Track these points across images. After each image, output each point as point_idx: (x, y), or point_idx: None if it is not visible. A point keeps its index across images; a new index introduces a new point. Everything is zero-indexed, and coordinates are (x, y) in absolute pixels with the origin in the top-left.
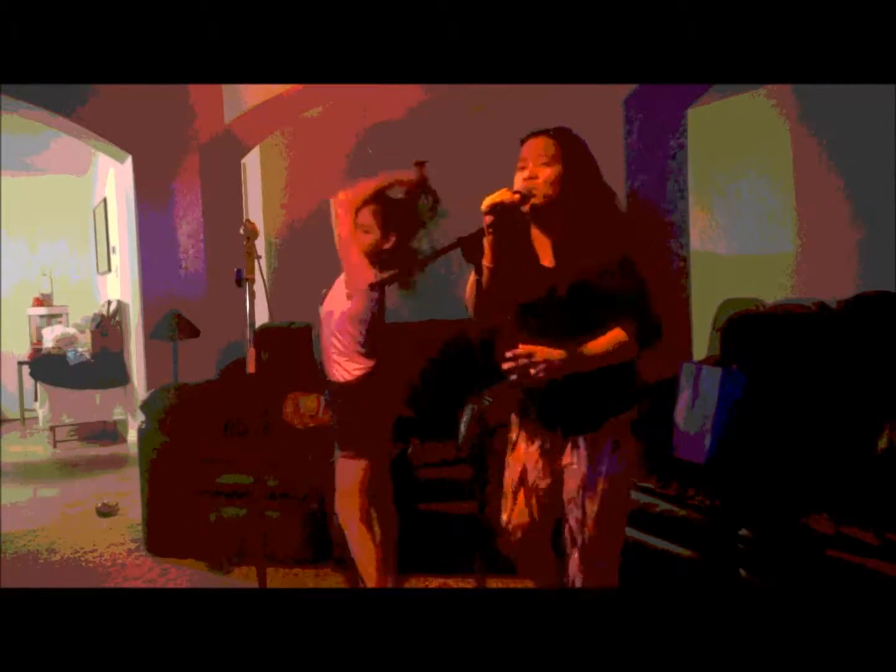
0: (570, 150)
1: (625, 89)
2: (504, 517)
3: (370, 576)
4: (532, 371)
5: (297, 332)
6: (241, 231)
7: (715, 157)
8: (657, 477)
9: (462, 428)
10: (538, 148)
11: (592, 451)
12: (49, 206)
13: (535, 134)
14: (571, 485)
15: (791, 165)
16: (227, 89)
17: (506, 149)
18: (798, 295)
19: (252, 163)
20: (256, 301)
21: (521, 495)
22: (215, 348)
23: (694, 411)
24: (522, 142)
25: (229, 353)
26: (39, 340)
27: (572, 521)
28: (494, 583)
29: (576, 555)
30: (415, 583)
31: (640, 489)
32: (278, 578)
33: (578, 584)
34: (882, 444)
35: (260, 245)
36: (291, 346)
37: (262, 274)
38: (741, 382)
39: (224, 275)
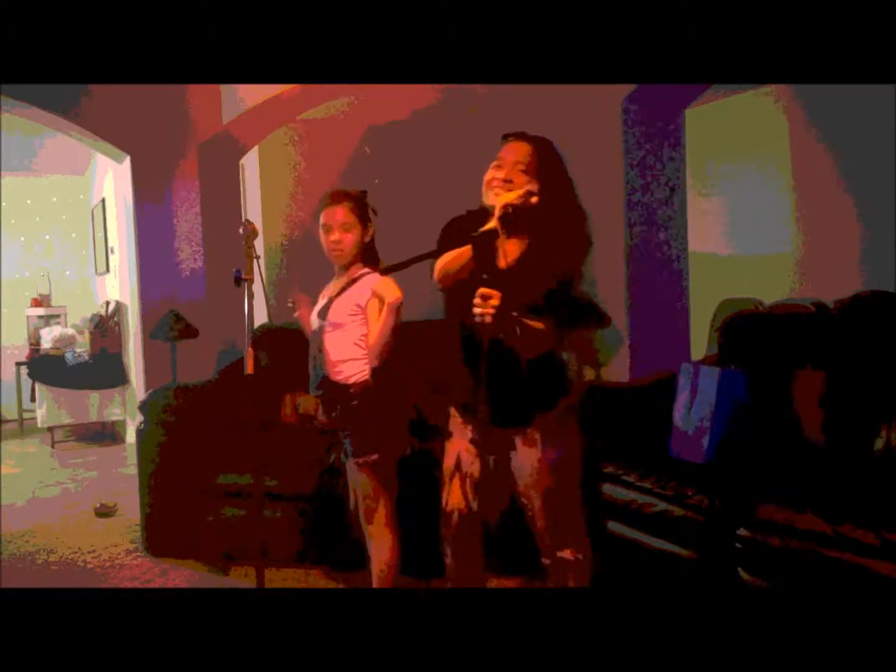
0: (548, 166)
1: (625, 89)
2: (443, 502)
3: (385, 578)
4: (480, 310)
5: (296, 333)
6: (241, 231)
7: (714, 156)
8: (656, 477)
9: None
10: (518, 153)
11: (529, 444)
12: (47, 207)
13: (517, 137)
14: (519, 477)
15: (790, 165)
16: (226, 90)
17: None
18: (797, 295)
19: (250, 163)
20: (255, 301)
21: (456, 481)
22: (214, 348)
23: (693, 411)
24: (504, 139)
25: (228, 354)
26: (37, 341)
27: (529, 513)
28: (492, 583)
29: (543, 543)
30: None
31: (638, 489)
32: (277, 578)
33: (551, 571)
34: (880, 444)
35: (259, 245)
36: (290, 346)
37: (260, 274)
38: (740, 382)
39: (223, 275)
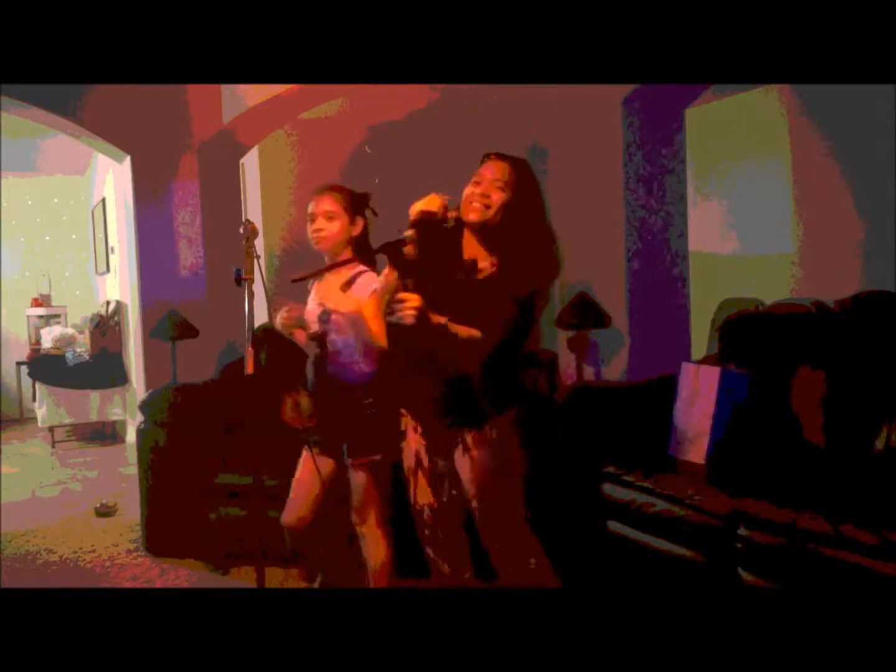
0: (523, 185)
1: (625, 89)
2: (412, 500)
3: (382, 579)
4: (399, 313)
5: None
6: (241, 231)
7: (714, 156)
8: (656, 477)
9: None
10: (496, 171)
11: (472, 447)
12: (48, 207)
13: (497, 157)
14: (463, 479)
15: (791, 165)
16: (226, 89)
17: (505, 149)
18: (797, 295)
19: (251, 163)
20: (255, 301)
21: (420, 476)
22: (214, 348)
23: (693, 411)
24: (483, 159)
25: (228, 354)
26: (38, 341)
27: (475, 516)
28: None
29: (490, 546)
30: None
31: (639, 489)
32: (277, 578)
33: (501, 572)
34: (881, 443)
35: (259, 245)
36: (290, 345)
37: (261, 274)
38: (740, 382)
39: (223, 275)
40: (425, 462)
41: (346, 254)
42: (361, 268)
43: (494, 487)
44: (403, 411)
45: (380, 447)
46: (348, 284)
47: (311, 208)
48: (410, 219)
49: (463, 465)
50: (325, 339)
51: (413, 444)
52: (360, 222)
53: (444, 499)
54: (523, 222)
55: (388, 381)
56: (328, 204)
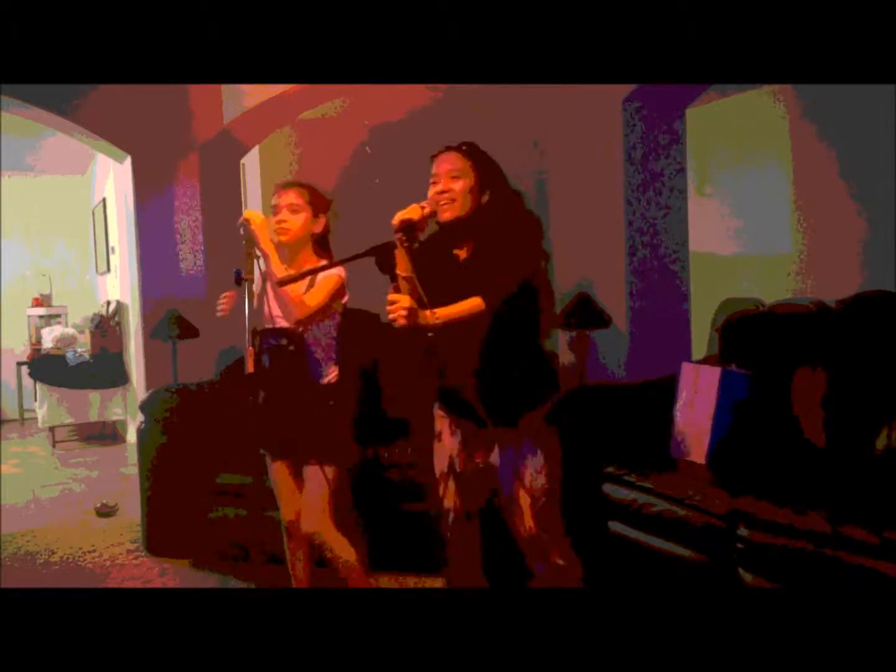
0: (480, 162)
1: (625, 89)
2: (438, 504)
3: (357, 578)
4: (391, 315)
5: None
6: (240, 232)
7: (714, 156)
8: (657, 477)
9: None
10: (448, 163)
11: (513, 443)
12: (48, 207)
13: (444, 150)
14: (500, 478)
15: (791, 165)
16: (227, 89)
17: (505, 149)
18: (798, 295)
19: (251, 163)
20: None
21: (451, 482)
22: (215, 348)
23: (694, 411)
24: (433, 158)
25: (228, 354)
26: (38, 341)
27: (507, 513)
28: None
29: (526, 546)
30: (412, 583)
31: (639, 489)
32: (277, 579)
33: (537, 578)
34: (881, 443)
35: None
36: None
37: (261, 274)
38: (741, 382)
39: (223, 275)
40: (458, 466)
41: (308, 250)
42: (324, 262)
43: (532, 485)
44: (440, 413)
45: (338, 450)
46: (311, 284)
47: (274, 200)
48: (394, 227)
49: (500, 463)
50: (302, 337)
51: (447, 446)
52: (322, 219)
53: (470, 505)
54: (493, 200)
55: (349, 385)
56: (293, 197)
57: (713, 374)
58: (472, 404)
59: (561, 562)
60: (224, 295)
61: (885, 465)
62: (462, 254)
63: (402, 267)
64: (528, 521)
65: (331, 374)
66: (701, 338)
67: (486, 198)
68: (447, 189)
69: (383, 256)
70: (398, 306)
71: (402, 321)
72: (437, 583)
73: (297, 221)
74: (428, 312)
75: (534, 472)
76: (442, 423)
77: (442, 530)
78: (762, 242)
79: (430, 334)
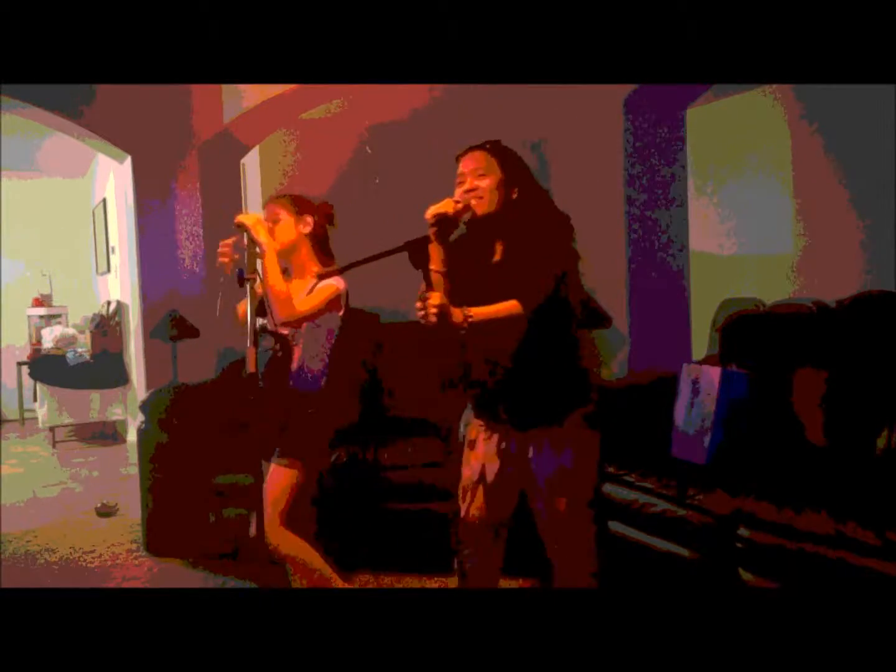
0: (506, 159)
1: (625, 89)
2: (462, 512)
3: (325, 576)
4: (420, 313)
5: None
6: (243, 239)
7: (715, 156)
8: (657, 477)
9: (461, 428)
10: (473, 161)
11: (553, 446)
12: (48, 207)
13: (469, 149)
14: (536, 481)
15: (791, 165)
16: (227, 89)
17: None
18: (797, 295)
19: (251, 163)
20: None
21: (480, 491)
22: (214, 348)
23: (693, 411)
24: (458, 158)
25: (229, 354)
26: (39, 341)
27: (541, 517)
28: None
29: (552, 549)
30: (409, 583)
31: (639, 489)
32: (278, 579)
33: (561, 577)
34: (882, 444)
35: None
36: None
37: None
38: (741, 382)
39: (224, 275)
40: (489, 477)
41: (305, 250)
42: (322, 272)
43: (568, 491)
44: (476, 421)
45: (308, 451)
46: (310, 290)
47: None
48: (428, 221)
49: (536, 467)
50: (288, 342)
51: (481, 454)
52: (309, 220)
53: (497, 515)
54: (523, 196)
55: (337, 394)
56: (273, 210)
57: (713, 374)
58: (509, 408)
59: (591, 568)
60: (224, 242)
61: (885, 465)
62: (493, 253)
63: (436, 262)
64: (561, 527)
65: (316, 386)
66: (701, 338)
67: (514, 194)
68: (474, 187)
69: (417, 251)
70: (430, 304)
71: (432, 319)
72: (437, 583)
73: (284, 228)
74: (459, 311)
75: (570, 476)
76: (476, 430)
77: (460, 537)
78: (762, 242)
79: (462, 332)
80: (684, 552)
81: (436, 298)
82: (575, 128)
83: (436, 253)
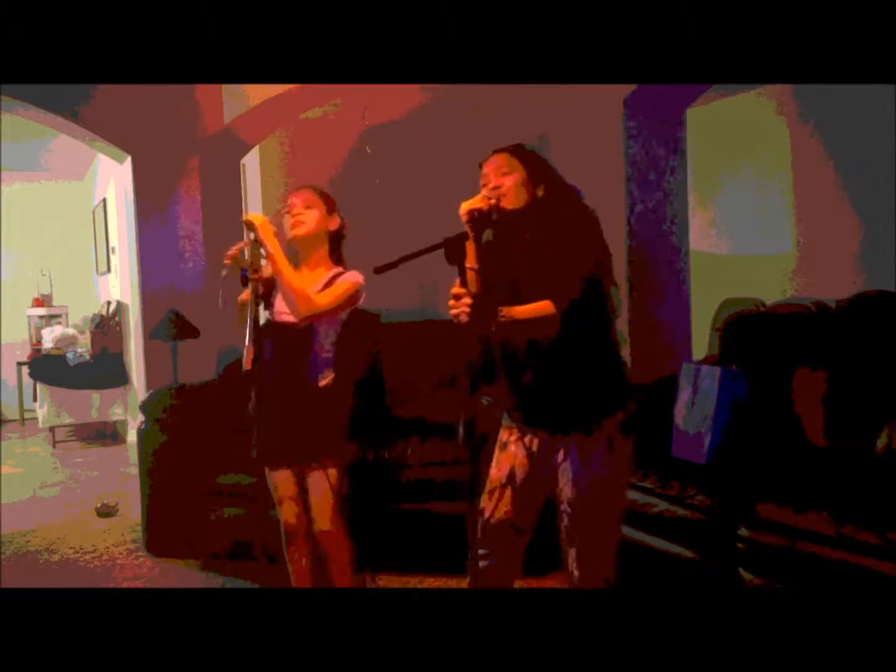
0: (529, 158)
1: (625, 89)
2: (486, 512)
3: (347, 578)
4: (453, 311)
5: None
6: (249, 236)
7: (715, 156)
8: (657, 477)
9: (460, 429)
10: (497, 163)
11: (586, 451)
12: (49, 207)
13: (491, 154)
14: (565, 485)
15: (790, 165)
16: (227, 89)
17: None
18: (797, 295)
19: (252, 163)
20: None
21: (507, 493)
22: (215, 348)
23: (694, 411)
24: (481, 165)
25: (229, 354)
26: (39, 341)
27: (567, 521)
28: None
29: (573, 553)
30: (415, 583)
31: (639, 489)
32: (278, 578)
33: (577, 582)
34: (881, 443)
35: None
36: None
37: (262, 278)
38: (741, 382)
39: (226, 267)
40: (519, 478)
41: (324, 250)
42: (339, 269)
43: (598, 499)
44: (508, 423)
45: (336, 451)
46: (327, 285)
47: (289, 200)
48: (462, 218)
49: (567, 472)
50: (308, 335)
51: (511, 458)
52: (336, 219)
53: (522, 519)
54: (549, 193)
55: (345, 388)
56: (307, 194)
57: (713, 373)
58: (542, 411)
59: (611, 573)
60: (235, 247)
61: (885, 465)
62: (523, 251)
63: (471, 259)
64: (586, 535)
65: (327, 378)
66: (701, 338)
67: (540, 191)
68: (498, 185)
69: (455, 248)
70: (463, 302)
71: (464, 318)
72: (437, 583)
73: (312, 216)
74: (491, 310)
75: (601, 484)
76: (509, 432)
77: (480, 538)
78: (762, 242)
79: (493, 329)
80: (685, 552)
81: (468, 297)
82: (575, 128)
83: (471, 250)
